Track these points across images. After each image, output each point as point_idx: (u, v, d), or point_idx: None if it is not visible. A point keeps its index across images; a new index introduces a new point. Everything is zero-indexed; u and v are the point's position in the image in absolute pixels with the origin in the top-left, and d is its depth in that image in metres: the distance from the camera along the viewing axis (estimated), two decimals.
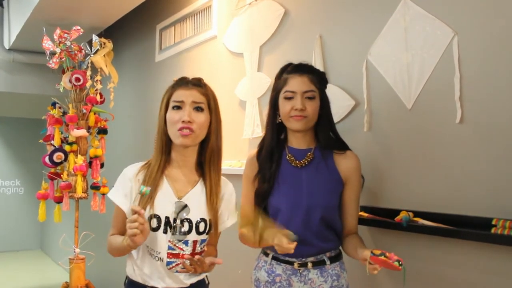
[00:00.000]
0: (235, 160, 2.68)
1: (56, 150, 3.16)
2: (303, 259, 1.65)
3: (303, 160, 1.68)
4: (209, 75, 3.05)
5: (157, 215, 1.54)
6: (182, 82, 1.61)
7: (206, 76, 3.06)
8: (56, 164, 3.18)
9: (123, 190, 1.60)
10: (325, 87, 1.70)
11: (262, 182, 1.71)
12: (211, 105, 1.61)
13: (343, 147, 1.70)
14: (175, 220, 1.54)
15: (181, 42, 3.42)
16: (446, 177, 1.62)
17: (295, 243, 1.47)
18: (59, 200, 3.20)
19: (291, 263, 1.66)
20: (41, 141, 3.37)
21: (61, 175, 3.17)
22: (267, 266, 1.71)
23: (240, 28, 2.74)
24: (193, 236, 1.56)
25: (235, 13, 2.79)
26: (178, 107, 1.56)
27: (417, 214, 1.67)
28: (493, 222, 1.43)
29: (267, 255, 1.73)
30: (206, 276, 1.69)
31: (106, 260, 4.43)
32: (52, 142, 3.22)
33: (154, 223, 1.53)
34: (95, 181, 3.24)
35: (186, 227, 1.55)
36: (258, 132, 2.54)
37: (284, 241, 1.46)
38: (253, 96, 2.60)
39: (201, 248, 1.60)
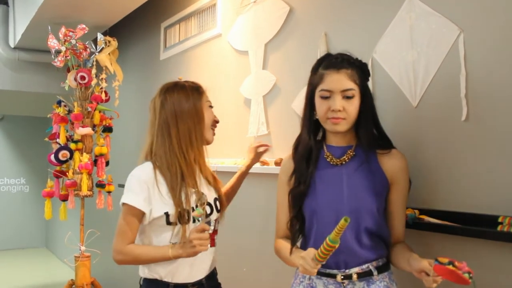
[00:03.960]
0: (240, 158, 2.69)
1: (61, 148, 3.17)
2: (347, 271, 1.46)
3: (343, 157, 1.51)
4: (214, 73, 3.06)
5: (186, 209, 1.63)
6: (201, 87, 1.77)
7: (211, 74, 3.08)
8: (61, 162, 3.19)
9: (142, 194, 1.62)
10: (367, 80, 1.53)
11: (297, 183, 1.55)
12: None
13: (388, 145, 1.53)
14: (193, 208, 1.63)
15: (186, 40, 3.42)
16: (452, 174, 1.61)
17: (318, 267, 1.31)
18: (64, 198, 3.21)
19: (333, 276, 1.47)
20: (46, 139, 3.38)
21: (67, 173, 3.18)
22: (306, 282, 1.53)
23: (245, 26, 2.74)
24: (214, 215, 1.74)
25: (239, 11, 2.79)
26: (211, 106, 1.76)
27: (422, 211, 1.67)
28: (499, 220, 1.42)
29: None
30: (215, 267, 1.81)
31: (112, 257, 4.42)
32: (57, 140, 3.23)
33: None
34: (100, 179, 3.25)
35: (208, 209, 1.69)
36: (263, 130, 2.54)
37: (309, 260, 1.31)
38: (258, 94, 2.60)
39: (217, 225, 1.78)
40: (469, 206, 1.55)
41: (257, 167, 2.46)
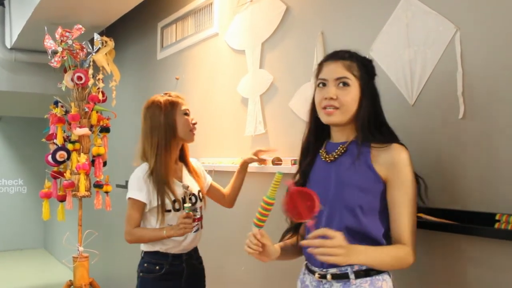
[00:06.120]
0: (237, 157, 2.69)
1: (58, 149, 3.16)
2: (324, 270, 1.44)
3: (332, 154, 1.48)
4: (211, 73, 3.06)
5: (177, 199, 2.06)
6: (177, 98, 2.12)
7: (208, 73, 3.08)
8: (59, 163, 3.18)
9: (142, 189, 2.04)
10: (370, 76, 1.49)
11: (298, 177, 1.58)
12: None
13: (387, 140, 1.43)
14: (184, 199, 2.06)
15: (183, 39, 3.42)
16: (449, 172, 1.62)
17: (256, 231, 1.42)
18: (62, 199, 3.20)
19: (314, 273, 1.47)
20: (43, 140, 3.37)
21: (64, 174, 3.18)
22: (301, 275, 1.56)
23: (242, 25, 2.74)
24: (198, 203, 2.15)
25: (236, 10, 2.78)
26: (187, 114, 2.11)
27: (420, 209, 1.66)
28: (497, 217, 1.43)
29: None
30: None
31: (110, 258, 4.42)
32: (54, 141, 3.22)
33: (176, 206, 2.06)
34: (98, 179, 3.24)
35: (193, 199, 2.12)
36: (261, 130, 2.54)
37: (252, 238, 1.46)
38: (255, 93, 2.60)
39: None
40: (466, 204, 1.56)
41: (255, 166, 2.47)
